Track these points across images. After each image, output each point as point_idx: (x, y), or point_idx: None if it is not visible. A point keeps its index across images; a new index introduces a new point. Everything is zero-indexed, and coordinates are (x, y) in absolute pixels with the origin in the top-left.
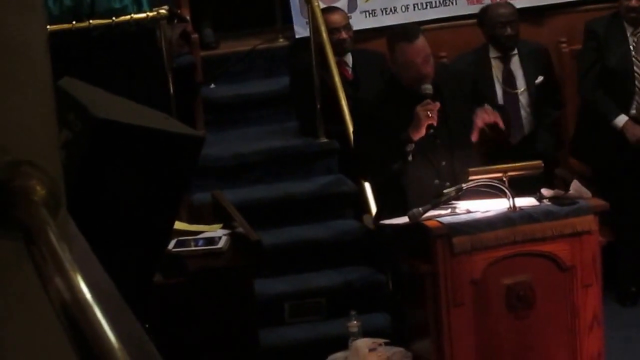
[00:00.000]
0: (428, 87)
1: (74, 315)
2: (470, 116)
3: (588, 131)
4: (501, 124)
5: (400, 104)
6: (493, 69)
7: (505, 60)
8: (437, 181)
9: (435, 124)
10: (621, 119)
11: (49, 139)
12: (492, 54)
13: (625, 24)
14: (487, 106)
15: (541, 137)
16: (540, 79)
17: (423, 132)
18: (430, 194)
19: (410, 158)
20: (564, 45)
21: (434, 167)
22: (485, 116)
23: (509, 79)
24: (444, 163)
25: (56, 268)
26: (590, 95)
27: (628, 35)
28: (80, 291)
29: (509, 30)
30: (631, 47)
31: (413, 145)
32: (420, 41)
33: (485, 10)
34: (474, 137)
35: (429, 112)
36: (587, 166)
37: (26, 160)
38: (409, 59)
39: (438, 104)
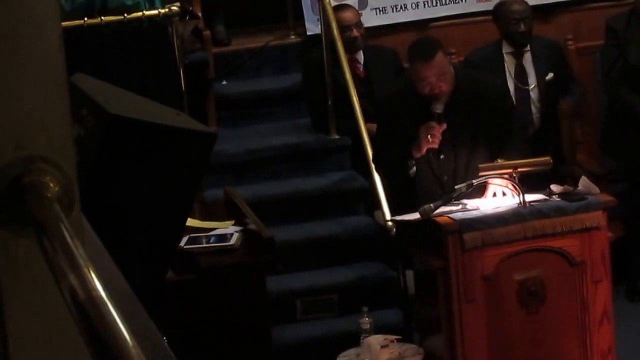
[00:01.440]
0: (438, 107)
1: (88, 313)
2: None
3: (616, 127)
4: (514, 188)
5: (416, 111)
6: (506, 64)
7: (518, 56)
8: (443, 180)
9: (436, 147)
10: None
11: (64, 135)
12: (506, 49)
13: None
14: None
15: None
16: (550, 75)
17: (424, 152)
18: (435, 196)
19: (412, 172)
20: (570, 42)
21: (438, 181)
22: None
23: (521, 75)
24: (445, 178)
25: (70, 265)
26: (616, 91)
27: None
28: (95, 288)
29: (522, 27)
30: None
31: (414, 161)
32: (437, 60)
33: (500, 6)
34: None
35: (430, 137)
36: (617, 161)
37: (40, 156)
38: (422, 77)
39: (444, 126)
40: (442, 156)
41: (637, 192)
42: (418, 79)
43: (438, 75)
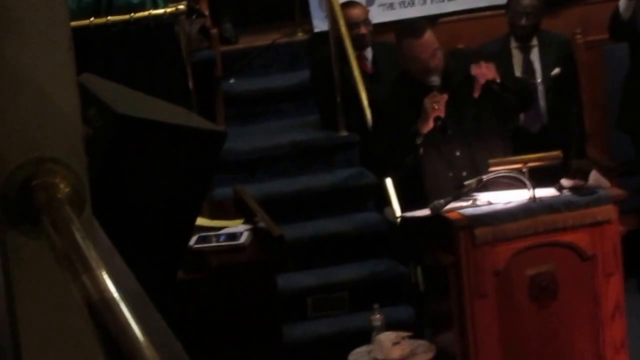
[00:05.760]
0: (435, 79)
1: (102, 314)
2: (484, 103)
3: (636, 103)
4: (498, 78)
5: (412, 98)
6: (513, 59)
7: (525, 50)
8: (451, 174)
9: (442, 115)
10: None
11: (74, 135)
12: (513, 44)
13: None
14: (482, 62)
15: (567, 131)
16: (556, 70)
17: (431, 124)
18: (444, 186)
19: (421, 151)
20: (579, 36)
21: (446, 158)
22: (481, 72)
23: (528, 69)
24: (458, 153)
25: (82, 266)
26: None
27: None
28: (107, 289)
29: (524, 21)
30: None
31: (422, 138)
32: (427, 36)
33: None
34: (476, 94)
35: (435, 105)
36: (632, 140)
37: (50, 157)
38: (415, 54)
39: (445, 96)
40: (457, 153)
41: None
42: (410, 56)
43: (430, 52)
